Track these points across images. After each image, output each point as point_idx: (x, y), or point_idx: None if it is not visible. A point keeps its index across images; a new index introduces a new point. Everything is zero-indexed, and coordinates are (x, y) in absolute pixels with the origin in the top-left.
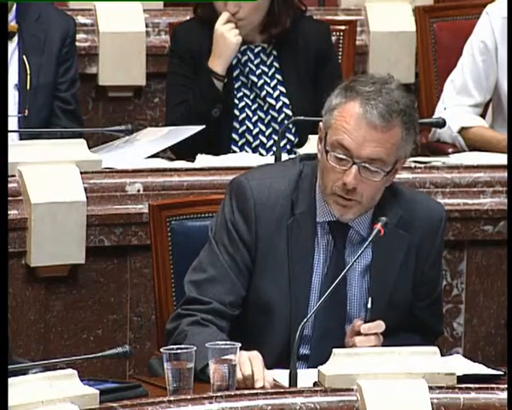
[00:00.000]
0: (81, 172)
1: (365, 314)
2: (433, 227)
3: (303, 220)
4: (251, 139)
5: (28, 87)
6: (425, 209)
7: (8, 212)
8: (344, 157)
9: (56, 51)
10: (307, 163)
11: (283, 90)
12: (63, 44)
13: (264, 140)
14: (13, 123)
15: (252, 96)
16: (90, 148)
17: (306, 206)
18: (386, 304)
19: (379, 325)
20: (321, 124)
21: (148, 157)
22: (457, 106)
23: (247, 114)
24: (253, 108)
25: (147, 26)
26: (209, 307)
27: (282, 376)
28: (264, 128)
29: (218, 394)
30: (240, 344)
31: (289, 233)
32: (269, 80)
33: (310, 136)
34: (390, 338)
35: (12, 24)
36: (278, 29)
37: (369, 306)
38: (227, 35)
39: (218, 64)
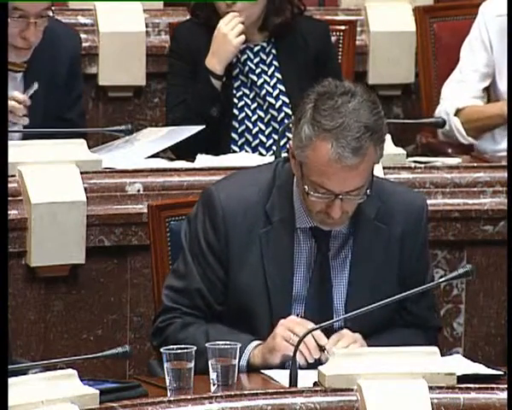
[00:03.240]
0: (81, 172)
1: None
2: (415, 218)
3: (281, 228)
4: (250, 138)
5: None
6: (405, 201)
7: (8, 212)
8: (325, 195)
9: (64, 76)
10: (282, 168)
11: (283, 88)
12: (71, 66)
13: (264, 139)
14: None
15: (251, 96)
16: (90, 148)
17: (284, 213)
18: (369, 299)
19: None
20: (291, 144)
21: (148, 157)
22: (456, 96)
23: (247, 114)
24: (252, 107)
25: (147, 26)
26: (187, 310)
27: (282, 376)
28: (263, 127)
29: (218, 394)
30: (240, 344)
31: (263, 242)
32: (268, 79)
33: None
34: (384, 335)
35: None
36: (279, 20)
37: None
38: (227, 34)
39: (215, 63)
